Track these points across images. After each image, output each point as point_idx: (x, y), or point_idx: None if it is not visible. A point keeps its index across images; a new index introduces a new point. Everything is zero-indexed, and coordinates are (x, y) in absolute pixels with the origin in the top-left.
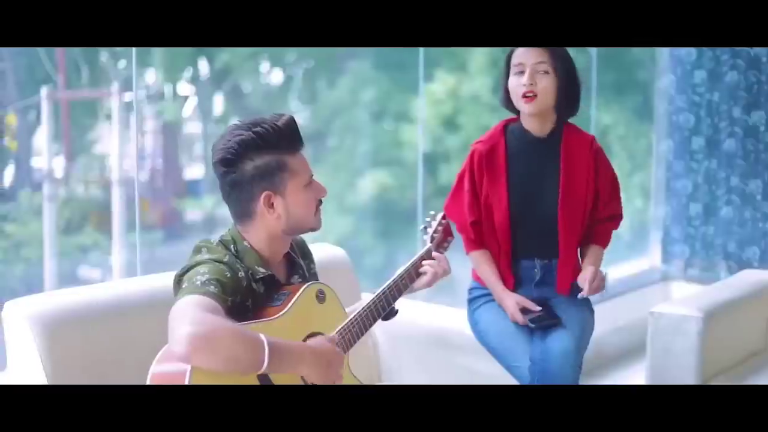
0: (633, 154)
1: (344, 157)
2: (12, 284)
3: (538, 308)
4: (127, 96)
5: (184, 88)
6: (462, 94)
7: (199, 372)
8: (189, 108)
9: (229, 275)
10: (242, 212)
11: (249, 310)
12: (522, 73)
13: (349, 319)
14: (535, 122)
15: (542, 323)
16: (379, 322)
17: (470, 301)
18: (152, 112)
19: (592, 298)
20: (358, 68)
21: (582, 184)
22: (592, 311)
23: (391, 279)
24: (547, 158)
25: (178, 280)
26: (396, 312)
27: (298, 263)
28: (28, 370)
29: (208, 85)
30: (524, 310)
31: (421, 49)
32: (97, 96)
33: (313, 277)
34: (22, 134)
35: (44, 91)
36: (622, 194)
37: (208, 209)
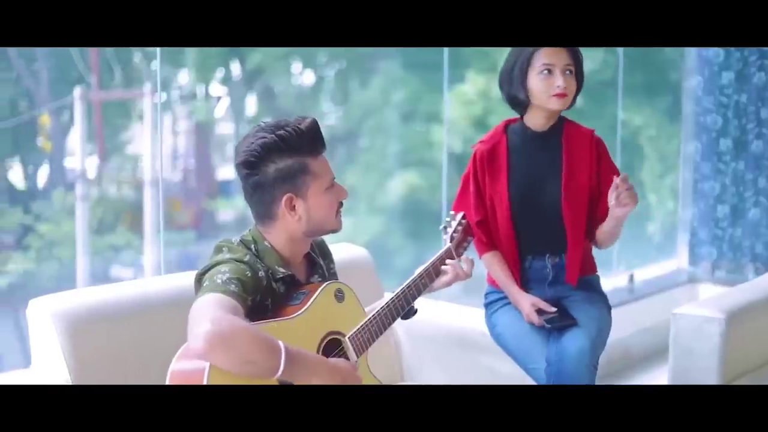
0: (664, 155)
1: (375, 158)
2: (44, 283)
3: (553, 309)
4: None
5: (217, 88)
6: (492, 95)
7: (218, 370)
8: (221, 108)
9: (249, 274)
10: (264, 213)
11: (268, 309)
12: (550, 72)
13: (367, 318)
14: (543, 118)
15: (558, 324)
16: (400, 321)
17: (487, 305)
18: (185, 112)
19: (615, 300)
20: (389, 69)
21: (585, 175)
22: (609, 308)
23: (410, 278)
24: (548, 151)
25: (199, 279)
26: (415, 311)
27: (318, 263)
28: (52, 367)
29: (240, 86)
30: (540, 311)
31: (446, 50)
32: (130, 96)
33: (333, 276)
34: (55, 134)
35: (77, 91)
36: (653, 196)
37: (240, 209)
